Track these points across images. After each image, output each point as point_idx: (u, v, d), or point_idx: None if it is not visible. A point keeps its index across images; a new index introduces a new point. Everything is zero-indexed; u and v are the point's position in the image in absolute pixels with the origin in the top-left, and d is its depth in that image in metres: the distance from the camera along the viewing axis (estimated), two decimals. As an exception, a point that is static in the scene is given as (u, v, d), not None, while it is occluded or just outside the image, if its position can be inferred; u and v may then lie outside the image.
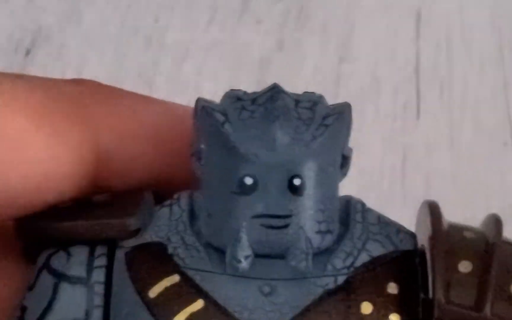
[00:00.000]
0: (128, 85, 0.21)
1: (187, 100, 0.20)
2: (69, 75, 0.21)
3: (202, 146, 0.18)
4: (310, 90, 0.19)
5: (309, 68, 0.38)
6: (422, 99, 0.37)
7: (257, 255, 0.17)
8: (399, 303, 0.17)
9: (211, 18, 0.38)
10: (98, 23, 0.40)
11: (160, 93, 0.24)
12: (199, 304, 0.17)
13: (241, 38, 0.38)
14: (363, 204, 0.19)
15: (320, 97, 0.18)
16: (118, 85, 0.21)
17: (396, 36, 0.39)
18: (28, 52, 0.38)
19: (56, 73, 0.22)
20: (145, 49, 0.38)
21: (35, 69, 0.31)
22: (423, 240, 0.18)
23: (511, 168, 0.35)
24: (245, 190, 0.17)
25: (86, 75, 0.20)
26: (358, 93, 0.37)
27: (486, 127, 0.36)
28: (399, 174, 0.35)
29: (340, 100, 0.36)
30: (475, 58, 0.38)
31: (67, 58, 0.37)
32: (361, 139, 0.35)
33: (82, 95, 0.19)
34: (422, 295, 0.17)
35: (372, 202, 0.19)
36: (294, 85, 0.18)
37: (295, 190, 0.17)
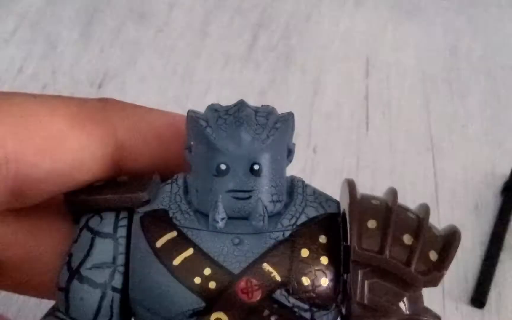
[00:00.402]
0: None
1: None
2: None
3: (192, 142, 0.18)
4: (294, 112, 0.18)
5: (293, 97, 0.37)
6: (370, 118, 0.37)
7: (229, 218, 0.17)
8: (327, 249, 0.17)
9: (226, 63, 0.39)
10: (147, 67, 0.39)
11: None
12: (190, 251, 0.17)
13: (246, 77, 0.38)
14: (303, 182, 0.19)
15: (273, 108, 0.18)
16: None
17: (352, 75, 0.38)
18: (100, 86, 0.38)
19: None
20: (180, 85, 0.38)
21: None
22: (344, 206, 0.18)
23: (431, 166, 0.34)
24: (220, 173, 0.17)
25: (140, 104, 0.20)
26: (327, 114, 0.37)
27: (414, 137, 0.36)
28: (354, 171, 0.34)
29: (314, 119, 0.37)
30: (406, 90, 0.38)
31: (127, 91, 0.37)
32: (329, 146, 0.35)
33: (105, 107, 0.19)
34: (343, 243, 0.17)
35: (335, 190, 0.19)
36: (282, 109, 0.18)
37: (255, 173, 0.17)
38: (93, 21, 0.41)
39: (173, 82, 0.38)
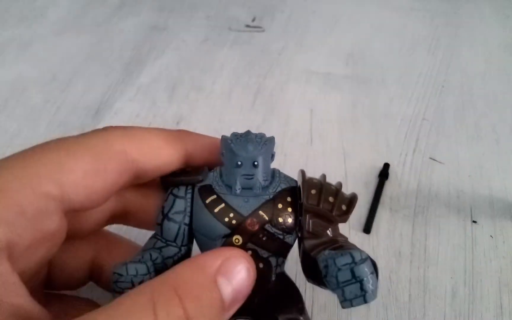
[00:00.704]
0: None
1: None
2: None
3: (223, 151, 0.17)
4: (275, 136, 0.18)
5: (274, 128, 0.36)
6: (312, 139, 0.35)
7: (242, 188, 0.16)
8: (291, 204, 0.17)
9: (240, 111, 0.38)
10: (201, 113, 0.38)
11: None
12: (222, 204, 0.16)
13: (251, 118, 0.37)
14: (279, 171, 0.18)
15: (264, 134, 0.17)
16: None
17: (303, 118, 0.37)
18: (178, 123, 0.37)
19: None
20: (217, 122, 0.37)
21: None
22: (299, 182, 0.17)
23: (343, 163, 0.33)
24: (238, 166, 0.16)
25: (198, 132, 0.20)
26: (291, 137, 0.36)
27: (335, 149, 0.35)
28: (305, 165, 0.33)
29: (285, 139, 0.35)
30: (331, 125, 0.37)
31: (191, 125, 0.36)
32: (292, 153, 0.34)
33: (181, 133, 0.18)
34: (299, 201, 0.17)
35: (295, 174, 0.19)
36: (269, 134, 0.18)
37: (255, 166, 0.16)
38: (174, 90, 0.41)
39: (214, 121, 0.37)
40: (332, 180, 0.18)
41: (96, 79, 0.42)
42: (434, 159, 0.34)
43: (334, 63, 0.42)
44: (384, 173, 0.32)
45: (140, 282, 0.15)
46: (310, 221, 0.16)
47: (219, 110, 0.38)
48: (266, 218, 0.16)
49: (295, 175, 0.19)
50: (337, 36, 0.46)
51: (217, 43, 0.45)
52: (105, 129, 0.17)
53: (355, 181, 0.32)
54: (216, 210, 0.16)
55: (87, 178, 0.15)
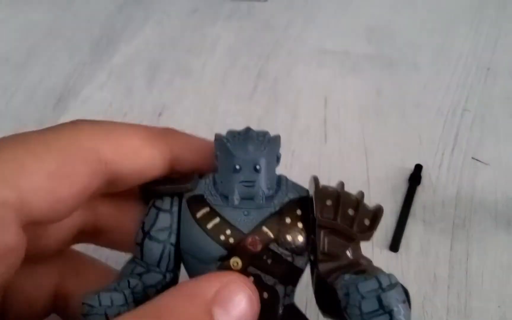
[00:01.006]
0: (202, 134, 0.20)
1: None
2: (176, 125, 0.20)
3: (218, 153, 0.17)
4: (280, 130, 0.18)
5: (279, 122, 0.36)
6: (327, 134, 0.36)
7: (242, 198, 0.17)
8: (302, 218, 0.17)
9: (237, 101, 0.38)
10: (189, 103, 0.38)
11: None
12: (217, 219, 0.17)
13: (250, 110, 0.37)
14: (286, 177, 0.18)
15: (267, 132, 0.18)
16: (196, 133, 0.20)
17: (316, 108, 0.37)
18: (160, 115, 0.37)
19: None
20: (209, 114, 0.37)
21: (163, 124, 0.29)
22: (311, 192, 0.18)
23: (365, 164, 0.34)
24: (236, 171, 0.17)
25: (185, 126, 0.20)
26: (300, 132, 0.36)
27: (354, 146, 0.35)
28: (317, 168, 0.33)
29: (293, 135, 0.35)
30: (349, 117, 0.37)
31: (176, 118, 0.37)
32: (301, 152, 0.34)
33: (166, 133, 0.19)
34: (311, 215, 0.17)
35: (304, 178, 0.19)
36: (273, 130, 0.18)
37: (257, 171, 0.17)
38: (155, 75, 0.41)
39: (205, 112, 0.37)
40: (350, 186, 0.18)
41: (58, 60, 0.42)
42: (477, 160, 0.34)
43: (353, 40, 0.42)
44: (415, 177, 0.32)
45: (116, 315, 0.15)
46: (325, 239, 0.17)
47: (211, 100, 0.38)
48: (271, 235, 0.16)
49: (305, 180, 0.19)
50: (356, 6, 0.46)
51: (209, 15, 0.45)
52: (73, 123, 0.17)
53: (380, 187, 0.32)
54: (209, 226, 0.16)
55: (50, 182, 0.15)
